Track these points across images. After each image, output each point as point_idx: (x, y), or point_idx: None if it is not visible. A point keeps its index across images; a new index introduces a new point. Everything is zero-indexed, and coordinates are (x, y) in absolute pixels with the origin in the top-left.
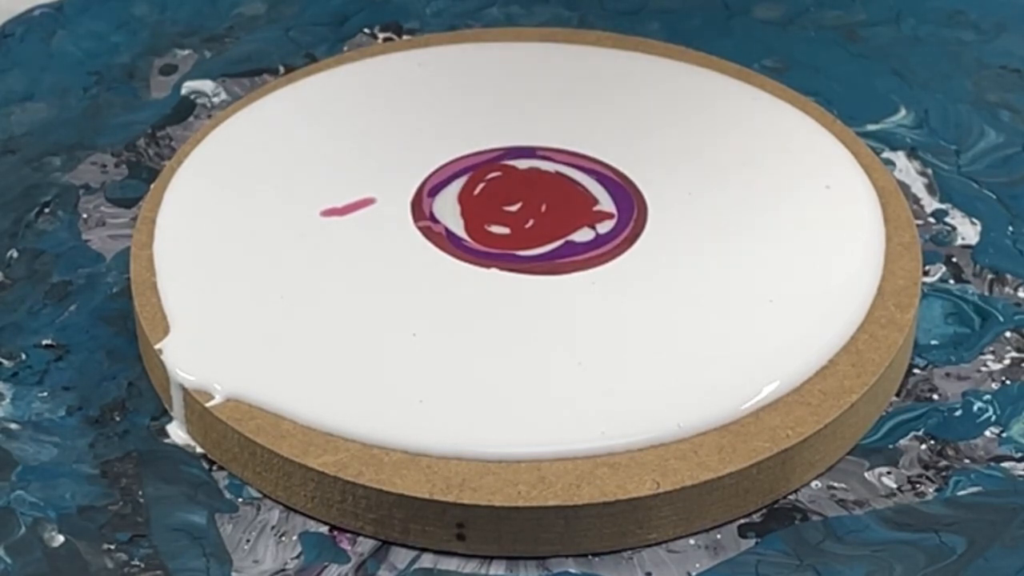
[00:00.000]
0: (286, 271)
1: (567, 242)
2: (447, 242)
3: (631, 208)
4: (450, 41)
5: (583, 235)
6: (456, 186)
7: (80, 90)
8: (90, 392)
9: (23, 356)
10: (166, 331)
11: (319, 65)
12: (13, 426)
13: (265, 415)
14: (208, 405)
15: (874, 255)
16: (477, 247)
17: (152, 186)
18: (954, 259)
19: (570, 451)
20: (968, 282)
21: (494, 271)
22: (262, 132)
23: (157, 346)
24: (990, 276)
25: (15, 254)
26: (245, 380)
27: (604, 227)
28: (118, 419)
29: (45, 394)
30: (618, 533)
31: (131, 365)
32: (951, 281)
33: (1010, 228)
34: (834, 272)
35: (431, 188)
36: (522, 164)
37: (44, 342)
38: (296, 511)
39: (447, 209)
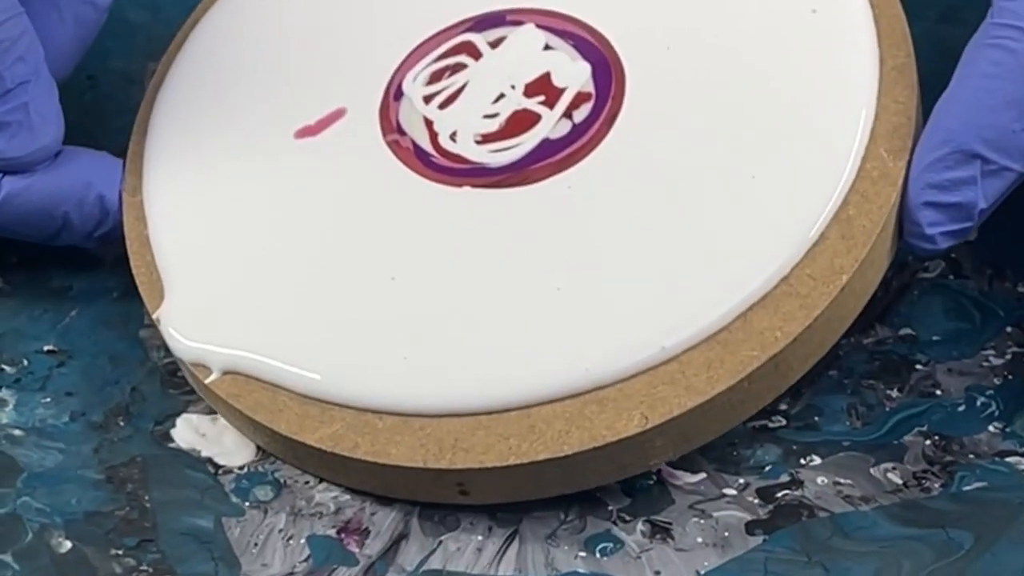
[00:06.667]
0: (266, 214)
1: (543, 141)
2: (415, 159)
3: (608, 76)
4: None
5: (559, 129)
6: (420, 84)
7: (76, 94)
8: (93, 397)
9: (25, 362)
10: (162, 295)
11: None
12: (17, 432)
13: (262, 388)
14: (207, 382)
15: (865, 91)
16: (446, 163)
17: (136, 119)
18: (953, 255)
19: (557, 394)
20: (968, 278)
21: (467, 189)
22: (232, 44)
23: (155, 315)
24: (989, 271)
25: (15, 259)
26: (238, 353)
27: (580, 114)
28: (122, 424)
29: (48, 400)
30: (616, 468)
31: (134, 369)
32: (951, 277)
33: (1007, 223)
34: (821, 125)
35: (396, 90)
36: (489, 36)
37: (46, 348)
38: (303, 515)
39: (414, 116)
